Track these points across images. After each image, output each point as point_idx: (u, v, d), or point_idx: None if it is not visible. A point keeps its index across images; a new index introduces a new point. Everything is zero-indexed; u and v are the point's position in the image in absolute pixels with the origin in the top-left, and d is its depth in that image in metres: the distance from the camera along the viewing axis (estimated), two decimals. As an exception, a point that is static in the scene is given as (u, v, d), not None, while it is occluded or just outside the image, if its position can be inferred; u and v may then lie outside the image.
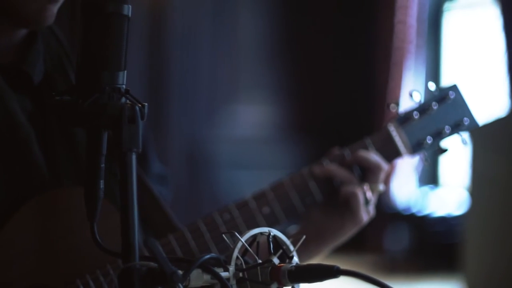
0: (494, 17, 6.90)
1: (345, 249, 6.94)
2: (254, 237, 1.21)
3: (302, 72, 8.18)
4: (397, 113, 1.76)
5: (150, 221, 1.61)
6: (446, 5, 7.99)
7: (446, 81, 8.02)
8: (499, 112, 5.70)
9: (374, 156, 1.68)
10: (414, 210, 7.27)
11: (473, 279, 5.51)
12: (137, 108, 1.19)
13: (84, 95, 1.21)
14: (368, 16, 8.21)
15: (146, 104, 1.58)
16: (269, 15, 8.10)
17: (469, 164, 5.61)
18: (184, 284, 1.15)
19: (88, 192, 1.29)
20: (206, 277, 1.16)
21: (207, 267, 1.16)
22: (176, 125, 7.56)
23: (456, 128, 1.79)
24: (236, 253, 1.19)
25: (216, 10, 7.76)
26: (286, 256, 1.21)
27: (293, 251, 1.21)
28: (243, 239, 1.20)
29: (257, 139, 7.90)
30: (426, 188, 7.80)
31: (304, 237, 1.57)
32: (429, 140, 1.75)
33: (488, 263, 5.44)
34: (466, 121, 1.80)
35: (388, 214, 7.56)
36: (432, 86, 1.81)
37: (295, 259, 1.21)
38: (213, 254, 1.45)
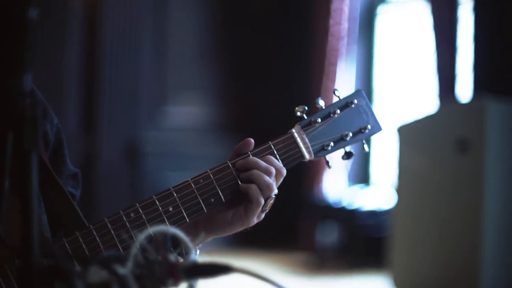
0: (425, 16, 7.01)
1: (278, 247, 6.99)
2: (157, 235, 1.26)
3: (235, 73, 8.22)
4: (302, 118, 1.80)
5: (60, 219, 1.64)
6: (379, 6, 8.10)
7: (377, 80, 8.13)
8: (427, 110, 5.81)
9: (276, 162, 1.72)
10: (344, 205, 7.36)
11: (398, 272, 5.63)
12: (39, 109, 1.22)
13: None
14: (303, 17, 8.28)
15: (49, 106, 1.61)
16: (200, 16, 8.11)
17: (396, 162, 5.71)
18: (82, 280, 1.18)
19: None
20: (105, 273, 1.20)
21: (104, 264, 1.20)
22: (110, 125, 7.54)
23: (359, 134, 1.83)
24: (134, 250, 1.23)
25: (148, 11, 7.75)
26: (184, 253, 1.26)
27: (190, 248, 1.26)
28: (142, 238, 1.24)
29: (188, 139, 7.93)
30: (357, 186, 7.90)
31: (203, 234, 1.63)
32: (331, 145, 1.80)
33: (413, 257, 5.56)
34: (369, 127, 1.83)
35: (320, 208, 7.65)
36: (338, 92, 1.85)
37: (192, 256, 1.26)
38: (113, 252, 1.50)
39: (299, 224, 7.98)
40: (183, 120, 7.93)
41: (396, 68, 7.96)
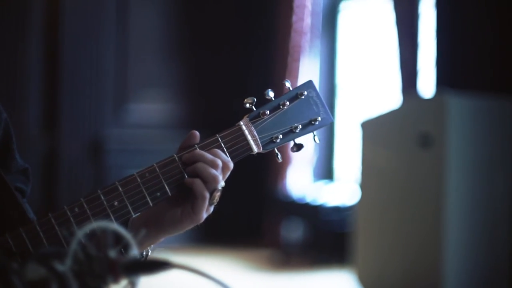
0: (387, 12, 7.03)
1: (242, 244, 6.96)
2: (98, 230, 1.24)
3: (197, 70, 8.18)
4: (251, 109, 1.79)
5: (4, 215, 1.62)
6: (342, 1, 8.11)
7: (340, 75, 8.14)
8: (390, 106, 5.82)
9: (222, 155, 1.71)
10: (308, 201, 7.36)
11: (362, 268, 5.64)
12: None
13: None
14: (266, 14, 8.27)
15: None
16: (161, 13, 8.08)
17: (359, 157, 5.72)
18: (19, 277, 1.17)
19: None
20: (43, 270, 1.18)
21: (42, 261, 1.18)
22: (72, 122, 7.50)
23: (308, 125, 1.81)
24: (74, 246, 1.21)
25: (111, 8, 7.71)
26: (125, 250, 1.24)
27: (131, 245, 1.24)
28: (81, 233, 1.22)
29: (150, 136, 7.90)
30: (321, 182, 7.91)
31: (144, 231, 1.60)
32: (280, 137, 1.78)
33: (376, 253, 5.58)
34: (319, 119, 1.82)
35: (284, 204, 7.65)
36: (288, 84, 1.84)
37: (134, 253, 1.24)
38: (53, 248, 1.47)
39: (263, 221, 7.98)
40: (146, 117, 7.89)
41: (359, 64, 7.98)
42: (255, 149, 1.76)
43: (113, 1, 7.73)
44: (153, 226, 1.70)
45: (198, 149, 1.70)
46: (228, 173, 1.71)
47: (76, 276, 1.20)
